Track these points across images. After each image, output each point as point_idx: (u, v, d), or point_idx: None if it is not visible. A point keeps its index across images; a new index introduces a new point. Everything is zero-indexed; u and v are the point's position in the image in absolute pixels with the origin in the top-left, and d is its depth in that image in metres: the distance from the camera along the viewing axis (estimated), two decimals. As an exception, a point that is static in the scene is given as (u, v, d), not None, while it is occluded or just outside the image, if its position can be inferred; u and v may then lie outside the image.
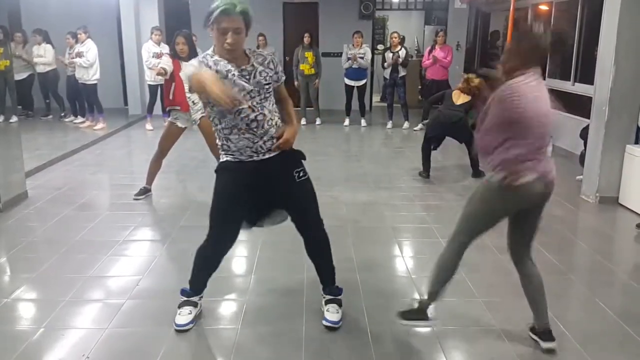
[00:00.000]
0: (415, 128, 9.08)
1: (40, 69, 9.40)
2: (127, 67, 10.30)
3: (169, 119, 5.06)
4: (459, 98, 5.85)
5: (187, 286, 2.95)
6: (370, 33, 11.05)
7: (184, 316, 2.86)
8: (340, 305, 2.96)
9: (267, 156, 2.64)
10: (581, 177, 5.47)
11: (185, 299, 2.93)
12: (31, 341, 2.74)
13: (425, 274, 3.58)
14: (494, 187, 2.52)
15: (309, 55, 9.04)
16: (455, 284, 3.39)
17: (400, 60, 8.81)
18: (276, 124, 2.67)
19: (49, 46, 9.31)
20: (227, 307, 3.15)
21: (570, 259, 4.02)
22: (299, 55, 9.15)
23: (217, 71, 2.51)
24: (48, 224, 4.43)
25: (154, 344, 2.71)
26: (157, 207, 5.04)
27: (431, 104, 7.06)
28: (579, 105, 6.37)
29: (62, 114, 9.67)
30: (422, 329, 2.90)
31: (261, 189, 2.69)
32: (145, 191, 5.17)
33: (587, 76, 5.75)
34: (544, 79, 3.94)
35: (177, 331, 2.81)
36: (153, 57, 8.25)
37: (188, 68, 2.54)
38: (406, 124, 9.19)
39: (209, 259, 2.87)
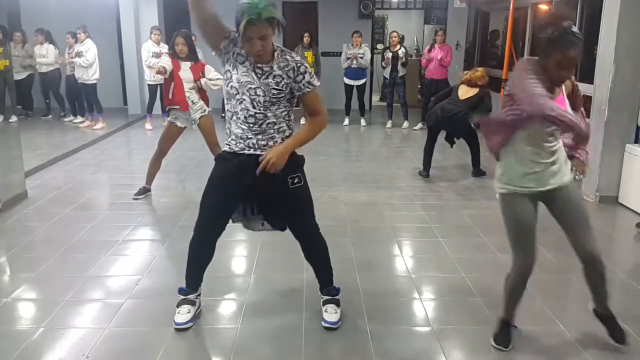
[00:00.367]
0: (415, 127, 9.08)
1: (42, 69, 9.38)
2: (127, 66, 10.30)
3: (169, 118, 5.07)
4: (465, 92, 5.77)
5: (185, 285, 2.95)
6: (370, 32, 11.05)
7: (183, 315, 2.86)
8: (338, 305, 2.95)
9: (257, 152, 2.63)
10: (581, 176, 5.46)
11: (183, 297, 2.92)
12: (31, 341, 2.73)
13: (425, 274, 3.61)
14: (500, 198, 2.57)
15: (309, 54, 9.04)
16: (455, 283, 3.42)
17: (403, 59, 8.81)
18: (283, 132, 2.66)
19: (51, 46, 9.29)
20: (227, 307, 3.15)
21: (570, 259, 3.97)
22: (299, 54, 9.11)
23: (238, 54, 2.57)
24: (48, 224, 4.43)
25: (154, 344, 2.71)
26: (157, 206, 5.04)
27: (438, 101, 6.85)
28: (578, 105, 6.37)
29: (62, 114, 9.67)
30: (422, 328, 2.90)
31: (249, 185, 2.65)
32: (144, 191, 5.17)
33: (586, 75, 5.74)
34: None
35: (177, 330, 2.81)
36: (153, 56, 8.27)
37: None
38: (406, 124, 9.20)
39: (196, 250, 2.86)
